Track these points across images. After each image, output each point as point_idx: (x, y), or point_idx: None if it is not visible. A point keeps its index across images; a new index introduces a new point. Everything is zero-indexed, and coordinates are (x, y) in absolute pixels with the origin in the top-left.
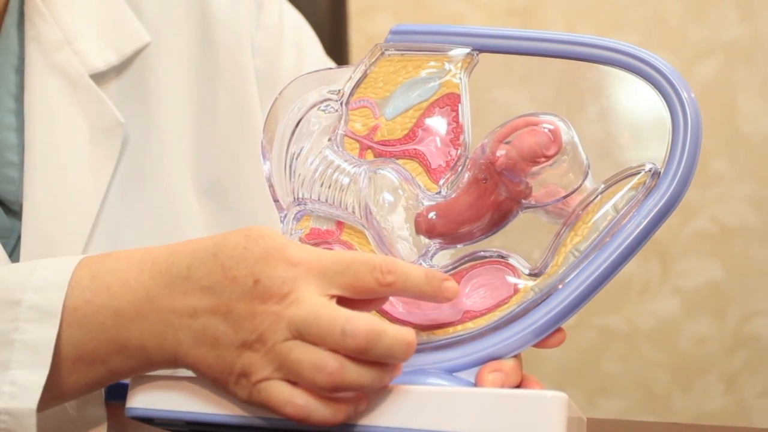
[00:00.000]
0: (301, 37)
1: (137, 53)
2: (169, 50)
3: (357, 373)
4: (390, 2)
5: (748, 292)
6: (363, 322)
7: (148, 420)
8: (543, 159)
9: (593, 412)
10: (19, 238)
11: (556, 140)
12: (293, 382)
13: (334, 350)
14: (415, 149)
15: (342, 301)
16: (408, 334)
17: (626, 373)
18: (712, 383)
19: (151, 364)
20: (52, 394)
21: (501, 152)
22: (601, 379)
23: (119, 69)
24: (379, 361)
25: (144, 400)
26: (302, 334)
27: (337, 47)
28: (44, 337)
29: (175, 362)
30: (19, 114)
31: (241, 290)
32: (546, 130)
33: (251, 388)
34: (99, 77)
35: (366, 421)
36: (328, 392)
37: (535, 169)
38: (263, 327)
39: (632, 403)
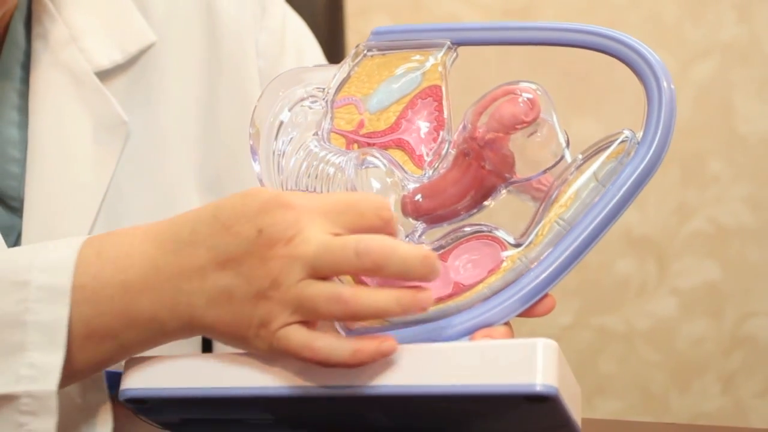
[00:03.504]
0: (303, 42)
1: (143, 52)
2: (175, 49)
3: (373, 297)
4: (387, 3)
5: (746, 293)
6: (375, 240)
7: (142, 402)
8: (522, 125)
9: (590, 412)
10: (19, 235)
11: (535, 106)
12: (312, 326)
13: (350, 275)
14: (399, 138)
15: None
16: (423, 248)
17: (623, 373)
18: (709, 383)
19: (164, 334)
20: (65, 373)
21: (481, 124)
22: (598, 380)
23: (125, 67)
24: (398, 283)
25: (137, 380)
26: (316, 270)
27: (334, 48)
28: (56, 316)
29: (190, 328)
30: (23, 110)
31: (246, 243)
32: (524, 97)
33: (271, 338)
34: (104, 75)
35: (357, 381)
36: (348, 321)
37: (515, 136)
38: (276, 272)
39: (629, 404)
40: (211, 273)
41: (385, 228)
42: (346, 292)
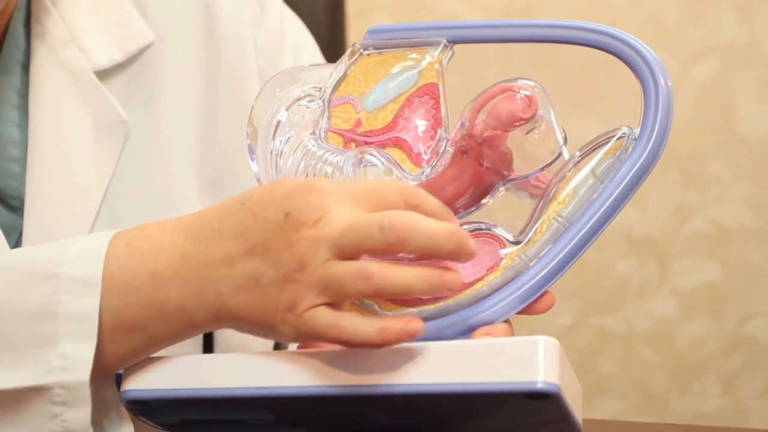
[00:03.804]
0: (300, 40)
1: (142, 51)
2: (174, 48)
3: (400, 273)
4: (388, 3)
5: (746, 293)
6: (399, 214)
7: (143, 403)
8: (520, 122)
9: (590, 413)
10: (20, 234)
11: (532, 103)
12: (339, 308)
13: (375, 252)
14: (396, 137)
15: None
16: (451, 224)
17: (624, 374)
18: (709, 384)
19: (192, 326)
20: (96, 365)
21: (479, 121)
22: (599, 380)
23: (124, 66)
24: (424, 260)
25: (138, 381)
26: (341, 249)
27: (334, 48)
28: (87, 307)
29: (217, 318)
30: (23, 109)
31: (273, 227)
32: (522, 94)
33: (297, 321)
34: (103, 74)
35: (358, 381)
36: (374, 297)
37: (513, 133)
38: (302, 254)
39: (630, 404)
40: (237, 260)
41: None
42: (372, 267)
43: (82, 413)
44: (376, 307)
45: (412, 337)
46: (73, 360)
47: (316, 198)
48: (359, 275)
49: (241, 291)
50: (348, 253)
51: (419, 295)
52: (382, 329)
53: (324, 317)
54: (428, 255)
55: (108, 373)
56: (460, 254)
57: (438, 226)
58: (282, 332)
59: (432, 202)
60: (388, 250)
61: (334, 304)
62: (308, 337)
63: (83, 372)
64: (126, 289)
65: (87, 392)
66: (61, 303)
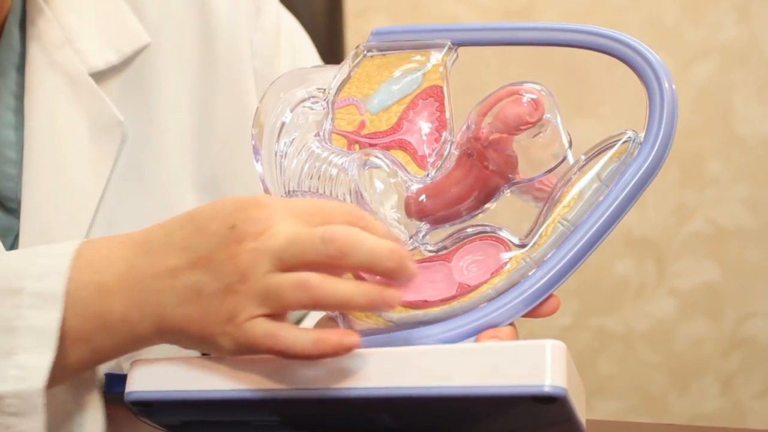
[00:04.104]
0: (297, 41)
1: (137, 53)
2: (170, 50)
3: (340, 286)
4: (386, 3)
5: (744, 294)
6: (341, 228)
7: (148, 404)
8: (527, 125)
9: (589, 413)
10: (16, 236)
11: (539, 107)
12: (280, 319)
13: (317, 266)
14: (401, 139)
15: None
16: (393, 243)
17: (622, 374)
18: (708, 384)
19: (135, 339)
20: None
21: (485, 124)
22: (598, 381)
23: (119, 68)
24: (365, 275)
25: (143, 382)
26: (284, 261)
27: (333, 48)
28: (48, 320)
29: (159, 330)
30: (19, 111)
31: (218, 240)
32: (528, 98)
33: (237, 332)
34: (99, 76)
35: (364, 383)
36: (313, 309)
37: (519, 137)
38: (244, 265)
39: (628, 405)
40: (181, 272)
41: None
42: (312, 279)
43: (35, 423)
44: None
45: (349, 350)
46: (29, 370)
47: (261, 212)
48: (299, 286)
49: (183, 302)
50: (289, 265)
51: (359, 310)
52: (318, 340)
53: (262, 327)
54: (368, 271)
55: (55, 385)
56: (400, 273)
57: (379, 243)
58: (221, 344)
59: (376, 225)
60: (329, 264)
61: (274, 316)
62: (247, 349)
63: (38, 380)
64: (71, 300)
65: (41, 400)
66: (22, 317)
